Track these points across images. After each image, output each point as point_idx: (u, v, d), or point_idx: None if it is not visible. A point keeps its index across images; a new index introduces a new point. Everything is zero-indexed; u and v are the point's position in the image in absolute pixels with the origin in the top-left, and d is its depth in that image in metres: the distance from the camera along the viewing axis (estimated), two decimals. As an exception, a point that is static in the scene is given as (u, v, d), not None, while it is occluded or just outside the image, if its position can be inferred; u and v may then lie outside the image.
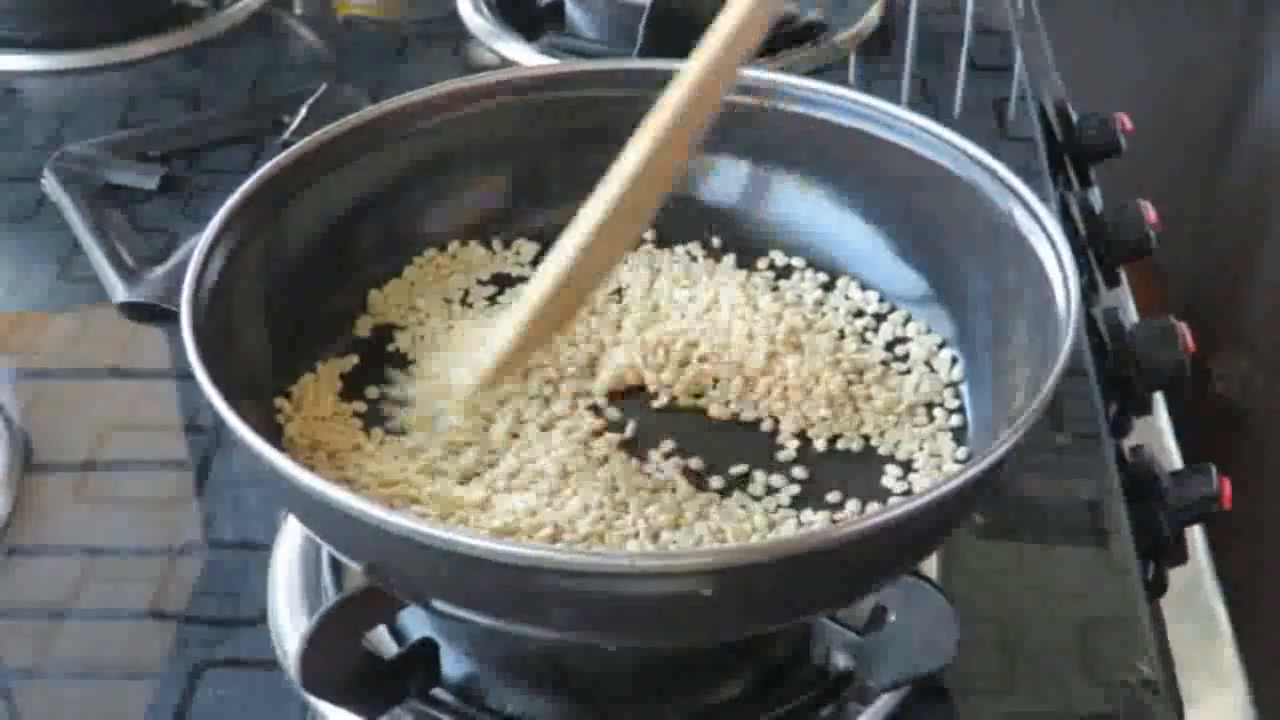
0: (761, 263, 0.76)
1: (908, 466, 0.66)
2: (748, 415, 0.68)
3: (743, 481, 0.65)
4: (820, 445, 0.67)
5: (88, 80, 1.09)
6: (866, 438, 0.67)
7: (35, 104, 1.07)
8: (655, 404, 0.69)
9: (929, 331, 0.72)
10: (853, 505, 0.64)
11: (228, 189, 0.67)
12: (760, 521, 0.62)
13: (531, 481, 0.63)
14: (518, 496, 0.62)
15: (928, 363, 0.70)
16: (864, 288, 0.74)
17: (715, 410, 0.68)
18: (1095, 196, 1.01)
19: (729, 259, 0.76)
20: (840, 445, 0.67)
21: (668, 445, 0.66)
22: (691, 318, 0.72)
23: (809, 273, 0.75)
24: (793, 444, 0.67)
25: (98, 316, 0.86)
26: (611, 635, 0.57)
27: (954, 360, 0.70)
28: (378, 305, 0.73)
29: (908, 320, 0.72)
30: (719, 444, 0.67)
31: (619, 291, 0.74)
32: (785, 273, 0.75)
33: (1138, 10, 1.56)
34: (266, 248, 0.68)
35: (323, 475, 0.55)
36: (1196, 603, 0.80)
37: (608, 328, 0.71)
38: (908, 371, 0.70)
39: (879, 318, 0.73)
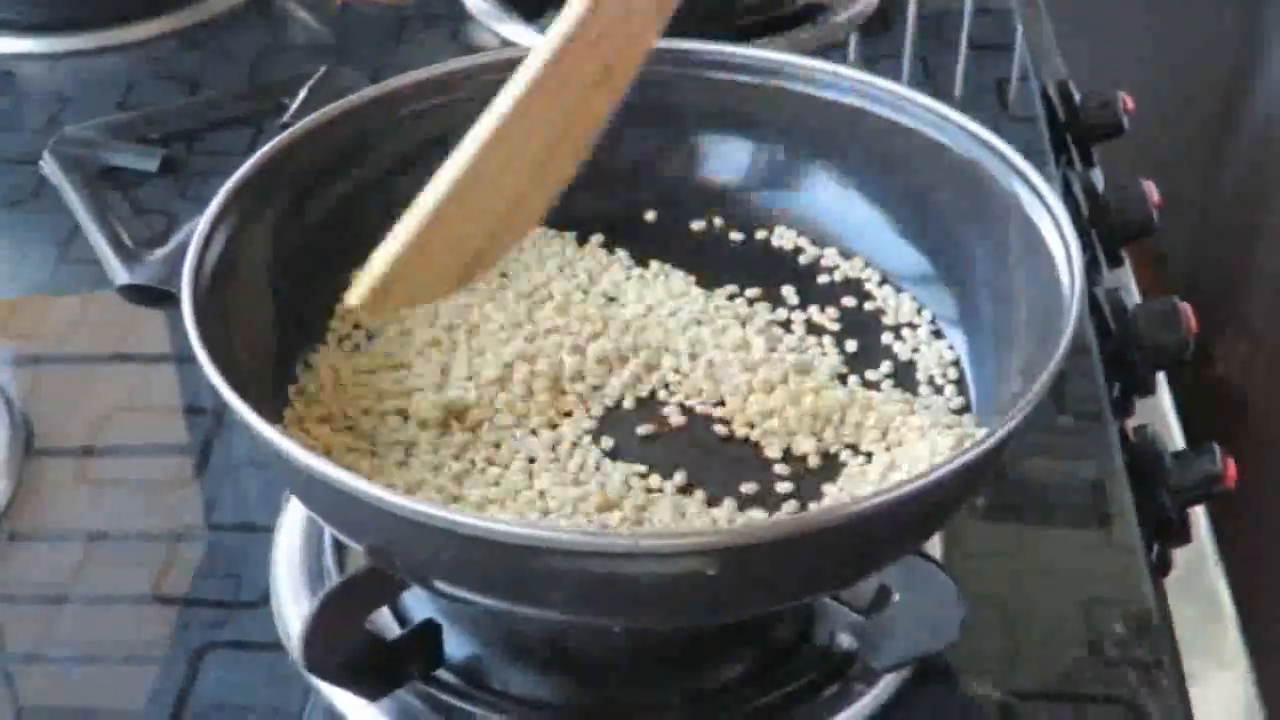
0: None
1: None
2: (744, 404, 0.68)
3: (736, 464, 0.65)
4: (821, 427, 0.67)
5: (87, 63, 1.08)
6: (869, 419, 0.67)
7: (34, 87, 1.07)
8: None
9: (928, 310, 0.71)
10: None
11: (227, 171, 0.67)
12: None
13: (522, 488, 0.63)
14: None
15: (930, 341, 0.70)
16: (867, 265, 0.74)
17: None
18: (1097, 176, 1.00)
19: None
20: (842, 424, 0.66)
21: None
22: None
23: (811, 251, 0.75)
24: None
25: (98, 299, 0.86)
26: (615, 616, 0.57)
27: (957, 339, 0.70)
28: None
29: (910, 298, 0.72)
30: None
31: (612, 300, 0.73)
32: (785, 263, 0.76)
33: (1139, -11, 1.56)
34: (267, 229, 0.67)
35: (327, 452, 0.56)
36: (1199, 583, 0.80)
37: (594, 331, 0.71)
38: (916, 350, 0.70)
39: (880, 296, 0.73)
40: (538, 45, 0.61)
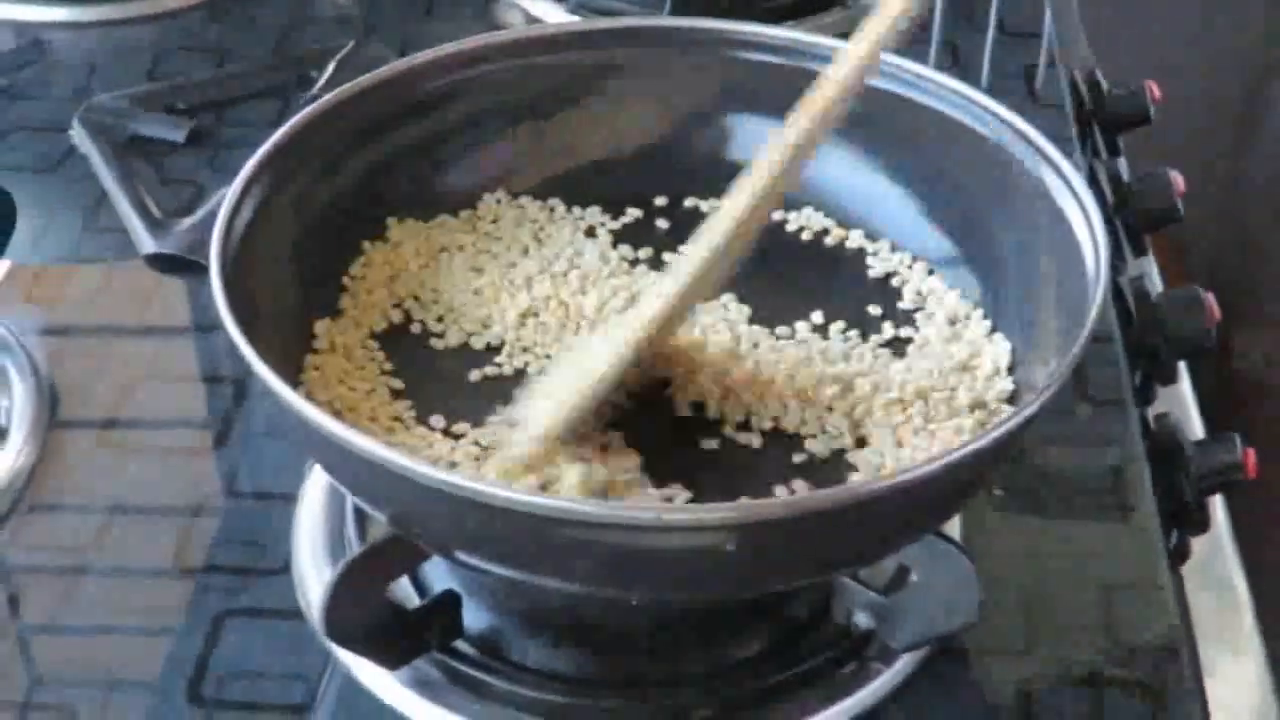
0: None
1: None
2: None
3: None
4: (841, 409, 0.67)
5: (116, 32, 1.08)
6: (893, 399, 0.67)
7: (64, 55, 1.07)
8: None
9: (955, 292, 0.71)
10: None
11: (254, 143, 0.67)
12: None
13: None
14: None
15: (953, 324, 0.70)
16: (894, 249, 0.74)
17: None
18: (1123, 165, 1.00)
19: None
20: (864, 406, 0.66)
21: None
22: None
23: (837, 232, 0.75)
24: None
25: (124, 268, 0.86)
26: (634, 589, 0.58)
27: (981, 323, 0.70)
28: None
29: (938, 280, 0.72)
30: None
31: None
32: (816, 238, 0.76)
33: (1168, -22, 1.55)
34: (293, 200, 0.68)
35: (348, 423, 0.56)
36: (1217, 571, 0.80)
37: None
38: (941, 332, 0.70)
39: (907, 278, 0.73)
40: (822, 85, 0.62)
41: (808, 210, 0.76)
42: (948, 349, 0.68)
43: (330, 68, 1.00)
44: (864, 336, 0.70)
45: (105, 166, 0.91)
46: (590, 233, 0.75)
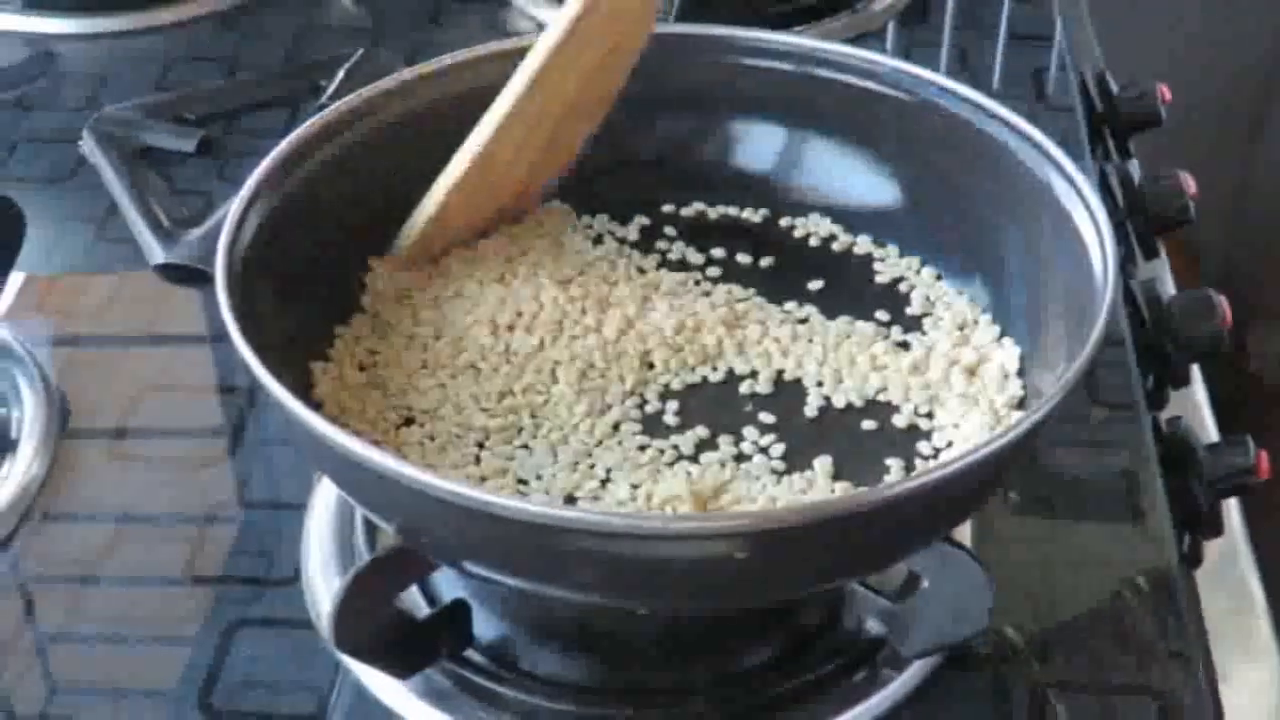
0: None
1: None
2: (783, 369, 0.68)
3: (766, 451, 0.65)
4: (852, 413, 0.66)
5: (126, 43, 1.09)
6: (897, 405, 0.67)
7: (73, 66, 1.07)
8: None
9: (964, 297, 0.71)
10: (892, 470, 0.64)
11: (264, 152, 0.67)
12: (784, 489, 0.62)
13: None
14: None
15: (961, 329, 0.70)
16: (901, 254, 0.74)
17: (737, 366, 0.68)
18: (1134, 168, 1.00)
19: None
20: (874, 412, 0.66)
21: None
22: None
23: (844, 239, 0.75)
24: (819, 407, 0.67)
25: (134, 278, 0.86)
26: (644, 598, 0.58)
27: (989, 328, 0.70)
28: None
29: (944, 286, 0.72)
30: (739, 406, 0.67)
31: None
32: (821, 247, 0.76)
33: (1179, -19, 1.55)
34: (302, 209, 0.67)
35: (354, 434, 0.56)
36: (1231, 576, 0.80)
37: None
38: (949, 336, 0.69)
39: (915, 283, 0.73)
40: (550, 23, 0.66)
41: (814, 216, 0.76)
42: (956, 354, 0.68)
43: (339, 77, 1.00)
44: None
45: (115, 177, 0.92)
46: (598, 240, 0.75)
